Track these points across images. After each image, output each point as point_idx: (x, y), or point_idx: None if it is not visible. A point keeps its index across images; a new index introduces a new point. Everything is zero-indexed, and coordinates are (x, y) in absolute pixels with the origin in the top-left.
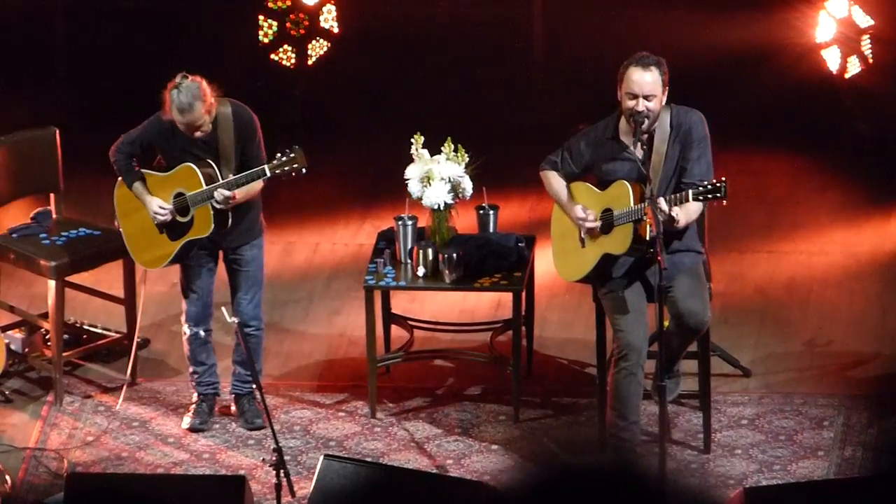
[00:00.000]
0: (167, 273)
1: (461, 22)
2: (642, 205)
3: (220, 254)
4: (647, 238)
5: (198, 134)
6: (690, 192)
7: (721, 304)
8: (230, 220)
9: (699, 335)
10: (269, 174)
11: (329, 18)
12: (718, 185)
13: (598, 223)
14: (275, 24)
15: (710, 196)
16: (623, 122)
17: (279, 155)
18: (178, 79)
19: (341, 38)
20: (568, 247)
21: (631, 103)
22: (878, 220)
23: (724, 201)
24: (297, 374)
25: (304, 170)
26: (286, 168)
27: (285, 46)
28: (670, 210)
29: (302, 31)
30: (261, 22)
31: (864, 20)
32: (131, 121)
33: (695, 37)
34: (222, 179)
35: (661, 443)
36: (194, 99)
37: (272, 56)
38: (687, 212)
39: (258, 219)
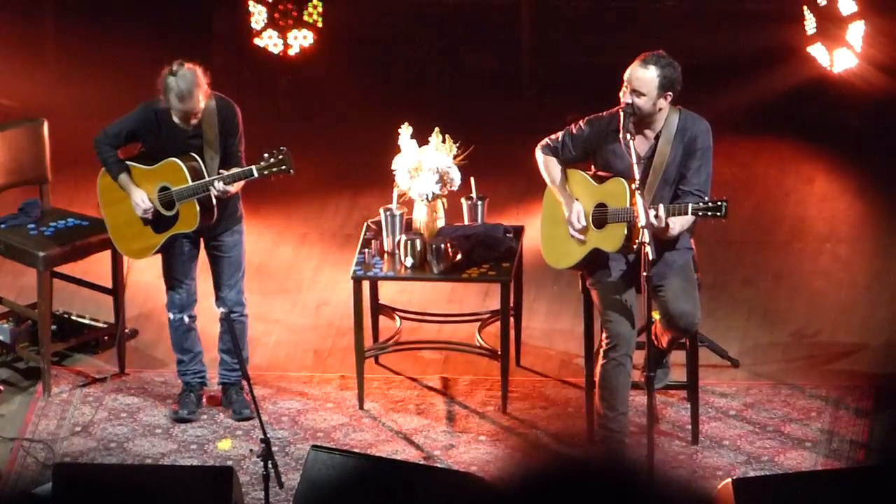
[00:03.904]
0: (155, 263)
1: (448, 11)
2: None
3: (201, 240)
4: (640, 240)
5: (193, 121)
6: (690, 206)
7: (709, 295)
8: (216, 215)
9: (689, 335)
10: (256, 175)
11: (314, 13)
12: (720, 203)
13: (583, 237)
14: (264, 10)
15: (709, 214)
16: None
17: (266, 156)
18: (174, 66)
19: (325, 31)
20: (558, 234)
21: (623, 91)
22: (865, 211)
23: (724, 220)
24: (285, 365)
25: (291, 171)
26: (274, 169)
27: (270, 33)
28: (667, 218)
29: (289, 22)
30: (251, 7)
31: (848, 6)
32: (119, 110)
33: (684, 28)
34: (207, 172)
35: (650, 433)
36: (192, 86)
37: (256, 41)
38: (682, 222)
39: (238, 205)
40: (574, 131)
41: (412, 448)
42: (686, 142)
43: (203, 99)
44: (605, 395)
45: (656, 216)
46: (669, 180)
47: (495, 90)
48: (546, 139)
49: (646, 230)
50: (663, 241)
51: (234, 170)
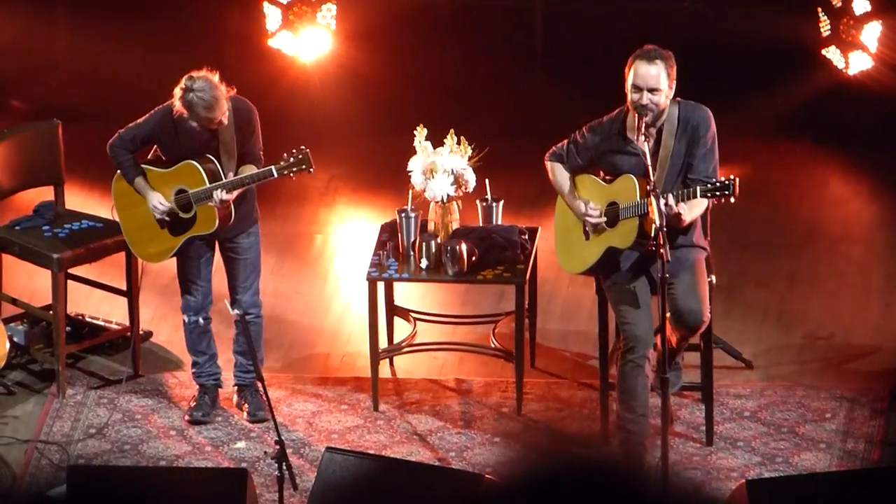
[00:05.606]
0: (170, 265)
1: (462, 14)
2: (648, 199)
3: (216, 242)
4: (653, 233)
5: (224, 121)
6: (699, 188)
7: (723, 296)
8: (233, 216)
9: (697, 333)
10: (276, 175)
11: (328, 15)
12: (727, 182)
13: (603, 219)
14: (278, 12)
15: (718, 194)
16: (630, 115)
17: (286, 155)
18: (185, 83)
19: (339, 34)
20: (572, 239)
21: (635, 96)
22: (879, 213)
23: (733, 199)
24: (300, 367)
25: (311, 170)
26: (294, 169)
27: (284, 34)
28: (677, 206)
29: (303, 23)
30: (265, 9)
31: (862, 5)
32: (133, 112)
33: (697, 27)
34: (224, 174)
35: (664, 435)
36: (214, 91)
37: (270, 42)
38: (692, 208)
39: (253, 207)
40: (577, 140)
41: (427, 449)
42: (689, 131)
43: (226, 100)
44: (623, 397)
45: (666, 204)
46: (676, 172)
47: (510, 92)
48: (553, 147)
49: (661, 231)
50: (677, 231)
51: (253, 171)
